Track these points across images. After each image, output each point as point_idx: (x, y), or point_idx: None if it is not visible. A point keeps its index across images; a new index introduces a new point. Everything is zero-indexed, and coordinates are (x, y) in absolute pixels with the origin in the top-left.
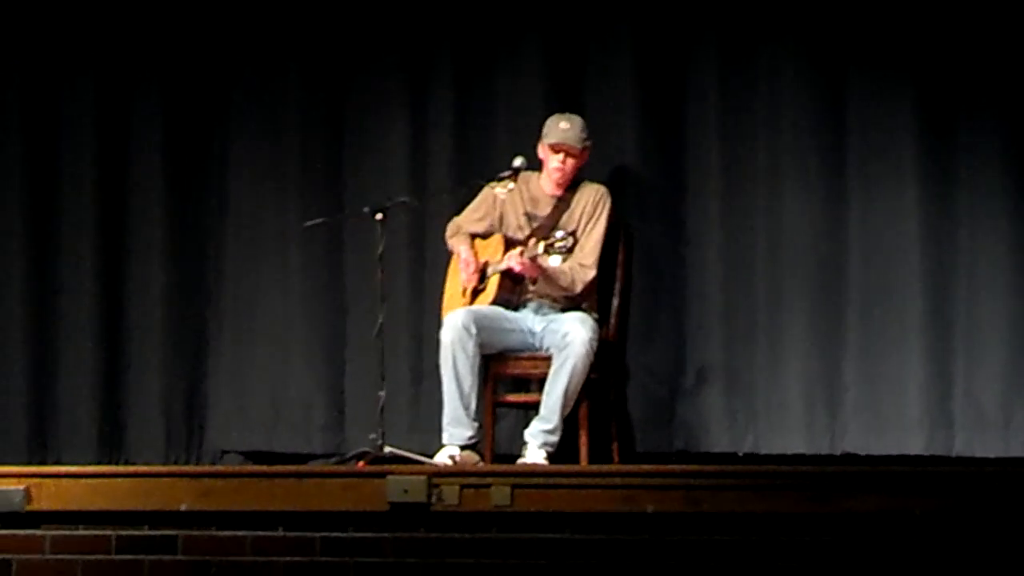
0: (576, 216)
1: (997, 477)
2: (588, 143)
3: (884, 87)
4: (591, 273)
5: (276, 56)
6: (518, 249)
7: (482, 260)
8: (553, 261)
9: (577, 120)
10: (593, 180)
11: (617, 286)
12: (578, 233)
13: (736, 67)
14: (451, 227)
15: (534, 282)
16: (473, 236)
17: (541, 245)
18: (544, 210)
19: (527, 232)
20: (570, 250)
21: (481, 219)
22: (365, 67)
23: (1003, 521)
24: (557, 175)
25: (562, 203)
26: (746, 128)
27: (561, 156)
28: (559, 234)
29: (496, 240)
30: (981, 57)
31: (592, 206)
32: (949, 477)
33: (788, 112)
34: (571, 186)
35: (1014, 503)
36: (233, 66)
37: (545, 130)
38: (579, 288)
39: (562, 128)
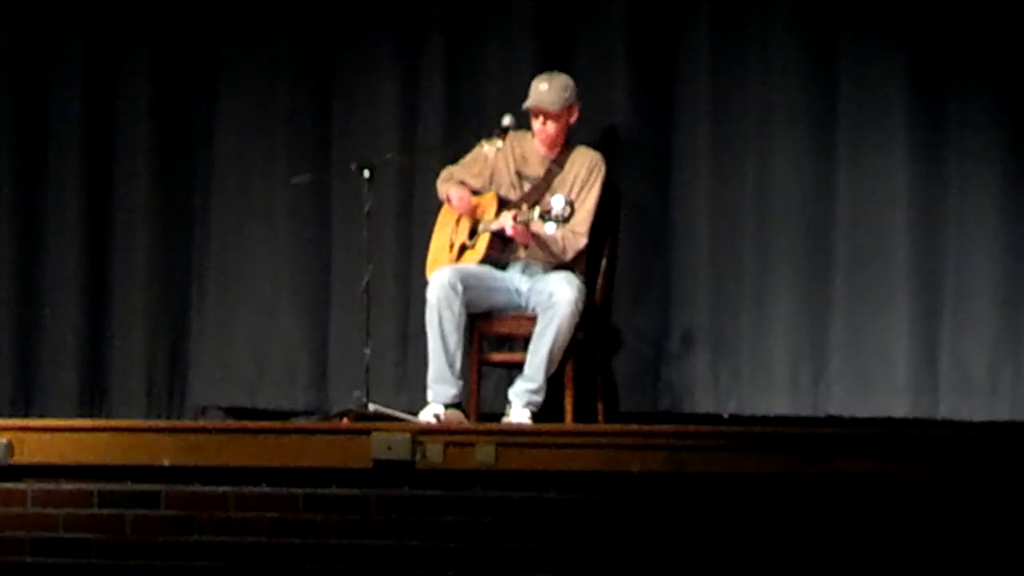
0: (569, 182)
1: (982, 441)
2: (571, 102)
3: (876, 48)
4: (583, 241)
5: (265, 11)
6: (512, 212)
7: (474, 203)
8: (548, 228)
9: (559, 80)
10: (588, 144)
11: (606, 248)
12: (574, 201)
13: (727, 28)
14: (444, 173)
15: (526, 247)
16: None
17: (537, 210)
18: (536, 170)
19: (520, 192)
20: (567, 219)
21: (475, 175)
22: (355, 23)
23: (988, 485)
24: (541, 136)
25: (555, 165)
26: (736, 90)
27: (541, 119)
28: (558, 202)
29: (490, 197)
30: (973, 18)
31: (587, 172)
32: (934, 440)
33: (779, 73)
34: (566, 148)
35: (999, 467)
36: (221, 22)
37: (528, 91)
38: (570, 255)
39: (540, 90)
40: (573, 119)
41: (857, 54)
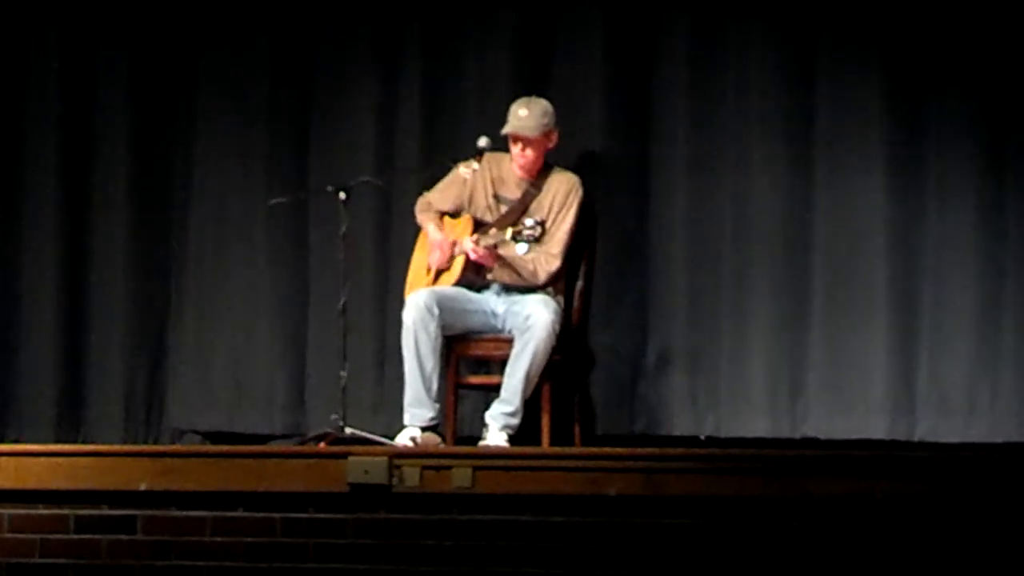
0: (546, 204)
1: (959, 461)
2: (549, 128)
3: (852, 69)
4: (556, 264)
5: (244, 31)
6: (475, 236)
7: (451, 239)
8: (520, 249)
9: (538, 106)
10: (565, 167)
11: (582, 268)
12: (547, 223)
13: (705, 48)
14: (421, 203)
15: (490, 270)
16: (442, 214)
17: (509, 231)
18: (513, 192)
19: (496, 214)
20: (538, 239)
21: (451, 198)
22: (333, 44)
23: (965, 505)
24: (520, 161)
25: (533, 188)
26: (713, 109)
27: (520, 145)
28: (528, 222)
29: (465, 220)
30: (950, 39)
31: (563, 196)
32: (911, 461)
33: (756, 94)
34: (543, 171)
35: (976, 487)
36: (200, 42)
37: (508, 116)
38: (543, 278)
39: (519, 116)
40: (552, 144)
41: (834, 73)
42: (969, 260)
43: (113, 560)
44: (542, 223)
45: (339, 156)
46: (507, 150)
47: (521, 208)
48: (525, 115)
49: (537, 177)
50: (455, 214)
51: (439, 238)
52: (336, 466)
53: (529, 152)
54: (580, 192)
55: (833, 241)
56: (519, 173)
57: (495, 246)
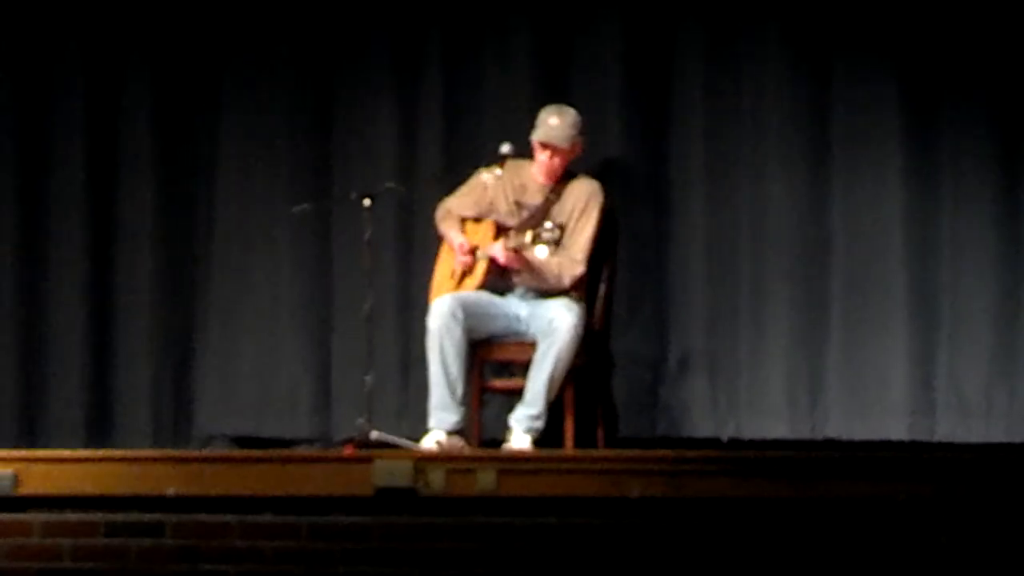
0: (567, 210)
1: (978, 462)
2: (578, 138)
3: (869, 73)
4: (580, 269)
5: (266, 42)
6: (503, 239)
7: (473, 243)
8: (540, 252)
9: (569, 115)
10: (586, 174)
11: (604, 273)
12: (568, 227)
13: (722, 55)
14: (441, 210)
15: (518, 273)
16: (463, 220)
17: (529, 235)
18: (534, 199)
19: (518, 220)
20: (557, 242)
21: (471, 204)
22: (355, 53)
23: (984, 506)
24: (545, 169)
25: (553, 194)
26: (731, 115)
27: (548, 153)
28: (548, 224)
29: (487, 224)
30: (965, 42)
31: (584, 202)
32: (931, 463)
33: (773, 100)
34: (564, 178)
35: (995, 488)
36: (223, 52)
37: (537, 122)
38: (567, 282)
39: (550, 124)
40: (576, 154)
41: (850, 79)
42: (986, 262)
43: (142, 565)
44: (561, 226)
45: (362, 164)
46: (529, 157)
47: (542, 214)
48: (556, 124)
49: (558, 183)
50: (476, 219)
51: (461, 240)
52: (362, 470)
53: (556, 160)
54: (601, 197)
55: (851, 244)
56: (541, 179)
57: (519, 248)
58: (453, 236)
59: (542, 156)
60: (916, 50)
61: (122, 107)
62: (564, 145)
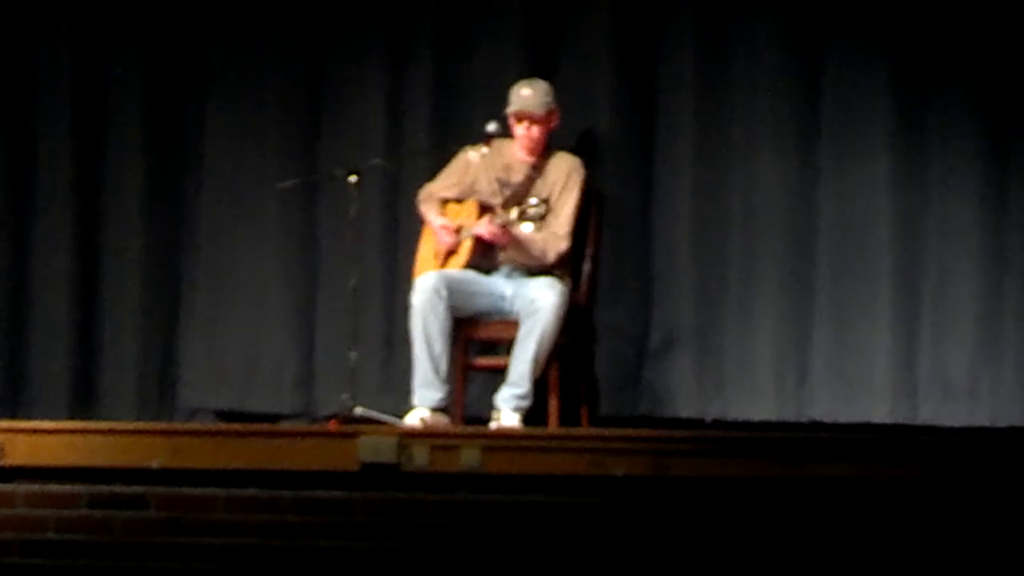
0: (549, 184)
1: (962, 445)
2: (553, 106)
3: (860, 56)
4: (564, 244)
5: (254, 16)
6: (489, 216)
7: (457, 223)
8: (525, 228)
9: (540, 85)
10: (566, 149)
11: (588, 250)
12: (550, 202)
13: (711, 36)
14: (422, 193)
15: (504, 249)
16: (445, 201)
17: (514, 211)
18: (516, 177)
19: (501, 198)
20: (542, 217)
21: (453, 185)
22: (344, 28)
23: (968, 489)
24: (525, 141)
25: (535, 171)
26: (720, 94)
27: (525, 123)
28: (532, 200)
29: (470, 204)
30: (955, 30)
31: (565, 176)
32: (914, 445)
33: (763, 79)
34: (545, 154)
35: (978, 472)
36: (211, 26)
37: (510, 98)
38: (552, 258)
39: (523, 95)
40: (554, 124)
41: (841, 63)
42: (972, 247)
43: (126, 537)
44: (546, 200)
45: (349, 140)
46: (514, 136)
47: (525, 190)
48: (529, 93)
49: (539, 160)
50: (458, 200)
51: (442, 222)
52: (346, 445)
53: (535, 130)
54: (582, 172)
55: (838, 227)
56: (523, 156)
57: (505, 224)
58: (433, 218)
59: (520, 129)
60: (907, 37)
61: (109, 85)
62: (539, 111)
